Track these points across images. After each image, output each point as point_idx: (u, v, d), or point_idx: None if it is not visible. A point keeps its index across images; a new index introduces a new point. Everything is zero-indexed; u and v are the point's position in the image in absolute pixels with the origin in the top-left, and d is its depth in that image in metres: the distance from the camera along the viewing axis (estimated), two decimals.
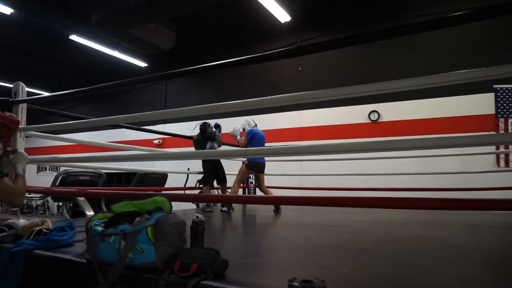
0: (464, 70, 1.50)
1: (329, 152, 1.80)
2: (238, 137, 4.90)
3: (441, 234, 2.71)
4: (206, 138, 4.91)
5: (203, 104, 2.13)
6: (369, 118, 7.41)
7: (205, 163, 4.98)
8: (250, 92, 8.75)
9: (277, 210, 4.54)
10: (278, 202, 2.44)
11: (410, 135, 6.83)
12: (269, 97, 1.88)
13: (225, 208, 4.55)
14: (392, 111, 7.26)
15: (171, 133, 5.27)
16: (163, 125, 10.23)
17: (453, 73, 1.52)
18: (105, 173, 4.63)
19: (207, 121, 5.03)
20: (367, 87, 1.66)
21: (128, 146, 4.34)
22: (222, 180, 5.06)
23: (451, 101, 6.74)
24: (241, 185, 4.91)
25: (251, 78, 9.05)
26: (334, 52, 7.71)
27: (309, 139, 7.87)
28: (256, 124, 4.93)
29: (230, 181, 5.20)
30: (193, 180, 6.45)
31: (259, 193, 5.44)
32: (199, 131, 5.00)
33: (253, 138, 4.67)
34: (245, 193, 5.91)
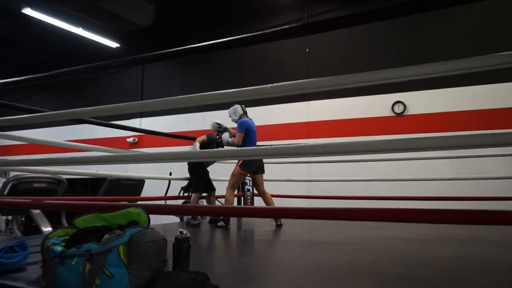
0: None
1: (343, 153, 1.79)
2: (231, 140, 4.85)
3: (485, 254, 2.71)
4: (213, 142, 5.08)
5: (189, 94, 2.12)
6: (393, 110, 7.43)
7: (195, 168, 5.01)
8: (247, 79, 8.76)
9: (279, 223, 4.54)
10: (281, 215, 2.44)
11: (443, 132, 6.85)
12: (270, 85, 1.87)
13: (221, 223, 4.53)
14: (421, 102, 7.28)
15: (149, 130, 5.26)
16: (139, 119, 10.23)
17: (499, 54, 1.51)
18: (66, 179, 4.62)
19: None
20: (390, 72, 1.66)
21: (95, 146, 4.33)
22: (211, 188, 5.09)
23: (497, 88, 6.74)
24: (235, 192, 4.91)
25: (248, 62, 9.05)
26: (349, 30, 7.72)
27: (318, 137, 7.89)
28: (246, 111, 4.84)
29: (220, 190, 5.23)
30: (176, 187, 6.45)
31: (258, 201, 5.45)
32: (215, 130, 5.10)
33: (248, 132, 4.63)
34: (241, 203, 5.91)
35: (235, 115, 4.78)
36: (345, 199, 5.66)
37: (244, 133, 4.59)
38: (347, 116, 7.78)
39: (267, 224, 4.87)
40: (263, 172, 4.77)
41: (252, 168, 4.65)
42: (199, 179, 4.99)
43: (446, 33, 7.21)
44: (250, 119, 4.77)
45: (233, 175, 4.62)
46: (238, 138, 4.62)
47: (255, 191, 5.16)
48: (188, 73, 9.98)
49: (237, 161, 4.77)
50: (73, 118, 2.95)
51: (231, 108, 4.82)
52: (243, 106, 4.84)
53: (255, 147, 1.89)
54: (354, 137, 7.45)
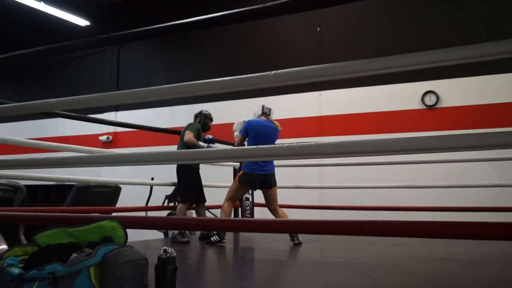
0: None
1: (363, 154, 1.78)
2: (236, 135, 4.93)
3: None
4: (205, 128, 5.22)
5: (176, 83, 2.12)
6: (423, 102, 7.42)
7: (185, 174, 5.02)
8: (246, 65, 8.76)
9: (297, 242, 4.47)
10: (287, 229, 2.43)
11: (486, 128, 6.83)
12: (273, 72, 1.86)
13: (214, 238, 4.56)
14: (458, 92, 7.28)
15: (127, 124, 5.26)
16: (114, 113, 10.24)
17: None
18: (25, 185, 4.59)
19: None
20: (419, 56, 1.65)
21: (61, 145, 4.32)
22: (202, 199, 5.10)
23: None
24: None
25: (247, 44, 9.06)
26: (369, 4, 7.70)
27: (332, 134, 7.89)
28: (266, 112, 4.87)
29: (209, 198, 5.24)
30: (159, 196, 6.45)
31: (261, 213, 5.45)
32: (198, 120, 5.28)
33: (252, 133, 4.63)
34: (238, 215, 5.90)
35: (254, 115, 4.86)
36: (365, 209, 5.65)
37: (248, 136, 4.61)
38: (367, 109, 7.78)
39: (271, 240, 4.87)
40: (271, 187, 4.71)
41: (251, 183, 4.64)
42: (189, 186, 4.99)
43: (492, 4, 7.18)
44: (268, 120, 4.75)
45: (231, 188, 4.70)
46: (237, 140, 4.71)
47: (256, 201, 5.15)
48: (174, 58, 9.99)
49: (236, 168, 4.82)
50: (34, 112, 2.94)
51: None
52: (265, 106, 4.90)
53: (252, 147, 1.88)
54: (376, 134, 7.45)
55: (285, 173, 7.45)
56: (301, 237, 4.48)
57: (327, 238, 4.88)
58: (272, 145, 1.88)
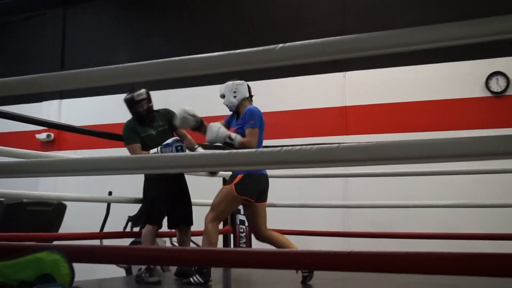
0: None
1: (406, 160, 1.79)
2: (235, 137, 4.65)
3: None
4: (144, 121, 5.07)
5: (143, 61, 2.11)
6: (488, 87, 7.44)
7: (151, 183, 5.01)
8: (243, 36, 8.74)
9: (307, 277, 4.50)
10: (298, 263, 2.42)
11: None
12: (280, 45, 1.86)
13: (195, 278, 4.52)
14: None
15: (71, 127, 5.22)
16: (57, 101, 10.22)
17: None
18: None
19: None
20: (482, 24, 1.65)
21: None
22: (183, 219, 5.08)
23: None
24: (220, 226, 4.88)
25: (246, 7, 9.03)
26: None
27: (360, 132, 7.88)
28: (250, 96, 4.82)
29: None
30: (119, 217, 6.45)
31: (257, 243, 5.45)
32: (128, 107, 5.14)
33: (261, 129, 4.61)
34: (229, 244, 5.89)
35: (235, 96, 4.72)
36: (406, 237, 5.65)
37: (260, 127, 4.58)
38: (409, 97, 7.78)
39: (276, 279, 4.85)
40: (265, 197, 4.70)
41: (255, 191, 4.59)
42: (156, 200, 4.94)
43: None
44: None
45: (221, 198, 4.54)
46: (253, 137, 4.53)
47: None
48: (140, 25, 9.99)
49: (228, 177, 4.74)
50: None
51: (230, 83, 4.75)
52: (247, 84, 4.81)
53: (247, 151, 1.85)
54: (420, 133, 7.44)
55: (294, 186, 7.43)
56: (319, 273, 4.47)
57: (353, 276, 4.86)
58: (278, 148, 1.87)
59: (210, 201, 4.58)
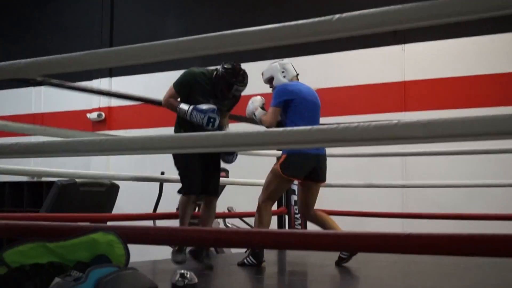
0: None
1: (468, 137, 1.75)
2: (258, 112, 4.78)
3: None
4: (217, 96, 4.73)
5: (192, 35, 2.11)
6: None
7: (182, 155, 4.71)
8: (294, 8, 8.68)
9: (345, 259, 4.49)
10: (355, 246, 2.41)
11: None
12: (336, 16, 1.83)
13: (249, 259, 4.55)
14: None
15: (126, 95, 5.29)
16: (107, 79, 10.36)
17: None
18: None
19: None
20: None
21: (35, 126, 4.39)
22: (210, 190, 4.87)
23: None
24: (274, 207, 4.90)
25: None
26: None
27: (421, 108, 7.76)
28: (296, 74, 4.85)
29: (249, 202, 5.22)
30: (172, 198, 6.53)
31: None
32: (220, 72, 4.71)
33: (292, 103, 4.63)
34: (284, 226, 5.91)
35: (285, 76, 4.74)
36: (469, 218, 5.57)
37: (284, 107, 4.59)
38: (473, 70, 7.63)
39: (331, 261, 4.85)
40: (320, 180, 4.70)
41: (301, 170, 4.59)
42: (187, 169, 4.72)
43: None
44: (305, 85, 4.79)
45: (270, 179, 4.62)
46: (269, 116, 4.62)
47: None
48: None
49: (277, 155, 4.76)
50: None
51: (276, 64, 4.80)
52: (292, 65, 4.82)
53: (297, 128, 1.82)
54: (485, 108, 7.28)
55: (351, 166, 7.38)
56: (377, 257, 4.45)
57: (413, 259, 4.83)
58: (333, 126, 1.85)
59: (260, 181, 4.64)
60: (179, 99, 4.69)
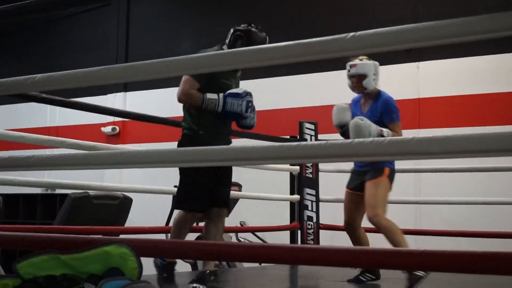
0: None
1: (482, 154, 1.75)
2: (387, 133, 4.43)
3: None
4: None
5: (209, 50, 2.13)
6: None
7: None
8: (310, 24, 8.69)
9: (369, 277, 4.47)
10: (366, 262, 2.41)
11: None
12: (350, 34, 1.84)
13: (365, 275, 4.50)
14: None
15: (138, 115, 5.31)
16: (122, 94, 10.40)
17: None
18: (1, 194, 4.71)
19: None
20: None
21: (51, 138, 4.42)
22: (220, 201, 4.29)
23: None
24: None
25: None
26: None
27: (435, 126, 7.73)
28: None
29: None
30: None
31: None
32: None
33: None
34: (296, 241, 5.90)
35: (374, 79, 4.53)
36: (483, 236, 5.54)
37: None
38: (488, 88, 7.58)
39: (343, 275, 4.83)
40: None
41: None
42: (196, 181, 4.11)
43: None
44: None
45: (381, 192, 4.52)
46: (400, 131, 4.55)
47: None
48: (205, 13, 10.04)
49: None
50: (12, 93, 3.02)
51: (373, 63, 4.55)
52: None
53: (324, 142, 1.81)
54: (501, 126, 7.23)
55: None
56: (390, 273, 4.42)
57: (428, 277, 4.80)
58: (348, 141, 1.87)
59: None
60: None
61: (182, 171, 4.16)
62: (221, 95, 3.90)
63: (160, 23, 10.45)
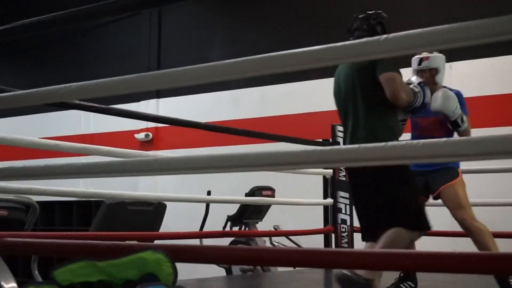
0: None
1: None
2: (466, 119, 4.40)
3: None
4: None
5: (240, 57, 2.12)
6: None
7: (406, 179, 3.78)
8: (340, 27, 8.65)
9: (409, 285, 4.38)
10: (402, 265, 2.38)
11: None
12: (384, 36, 1.82)
13: (406, 284, 4.27)
14: None
15: (171, 120, 5.33)
16: (155, 101, 10.46)
17: None
18: (38, 202, 4.77)
19: None
20: None
21: (85, 146, 4.46)
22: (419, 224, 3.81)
23: None
24: None
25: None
26: None
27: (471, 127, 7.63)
28: None
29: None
30: (218, 217, 6.54)
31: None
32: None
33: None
34: (330, 244, 5.88)
35: (443, 72, 4.46)
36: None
37: None
38: None
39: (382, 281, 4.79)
40: None
41: None
42: (413, 196, 3.78)
43: None
44: None
45: (461, 193, 4.35)
46: (469, 128, 4.47)
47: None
48: (237, 20, 10.06)
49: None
50: (48, 102, 3.05)
51: (440, 55, 4.39)
52: None
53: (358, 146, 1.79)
54: None
55: None
56: (427, 275, 4.37)
57: (463, 279, 4.74)
58: (381, 144, 1.84)
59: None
60: None
61: (397, 188, 3.69)
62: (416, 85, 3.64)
63: (192, 30, 10.48)
